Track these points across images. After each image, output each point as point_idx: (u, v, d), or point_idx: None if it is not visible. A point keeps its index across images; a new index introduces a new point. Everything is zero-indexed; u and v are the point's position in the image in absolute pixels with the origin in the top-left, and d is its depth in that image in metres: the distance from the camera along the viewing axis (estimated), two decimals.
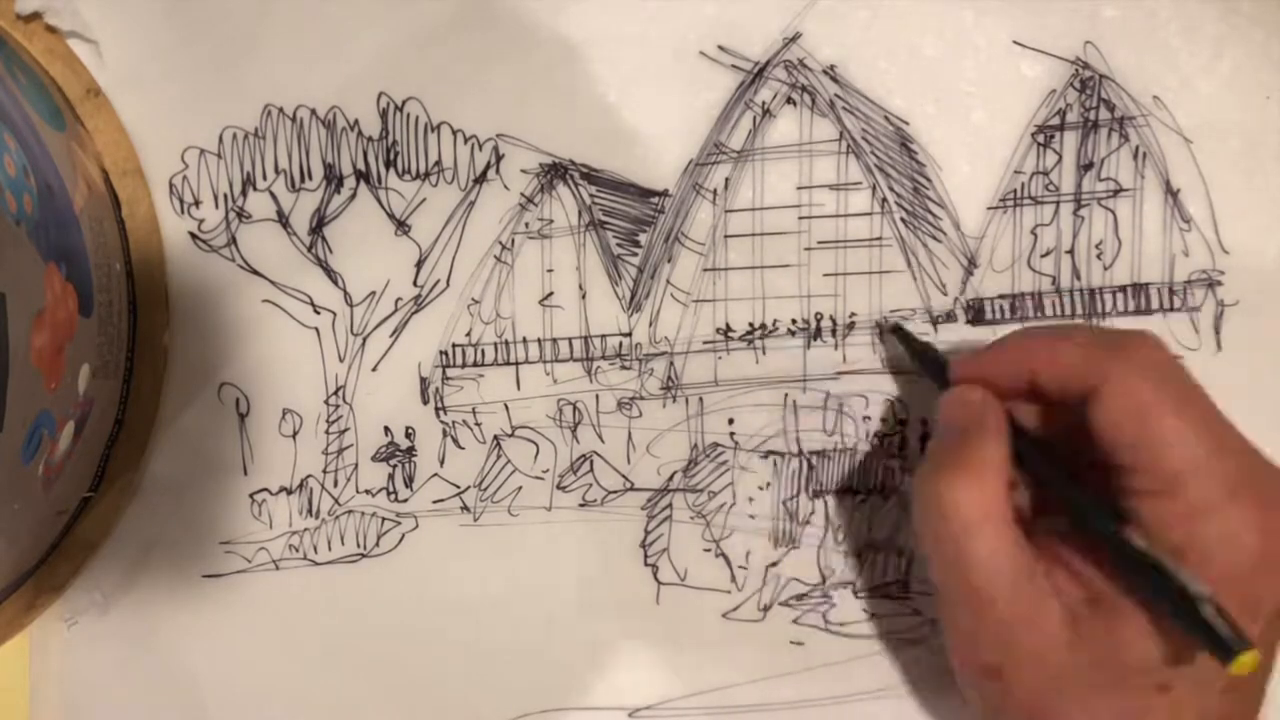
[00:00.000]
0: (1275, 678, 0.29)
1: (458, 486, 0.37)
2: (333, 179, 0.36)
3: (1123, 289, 0.35)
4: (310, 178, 0.36)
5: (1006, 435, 0.30)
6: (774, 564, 0.37)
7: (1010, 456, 0.30)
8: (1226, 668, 0.25)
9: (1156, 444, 0.28)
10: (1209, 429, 0.28)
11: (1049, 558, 0.30)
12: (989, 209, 0.35)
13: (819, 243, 0.36)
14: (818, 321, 0.36)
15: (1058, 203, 0.35)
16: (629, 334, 0.36)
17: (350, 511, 0.37)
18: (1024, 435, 0.31)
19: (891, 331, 0.35)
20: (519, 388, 0.37)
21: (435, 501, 0.37)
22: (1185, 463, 0.27)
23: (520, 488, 0.37)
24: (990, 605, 0.29)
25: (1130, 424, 0.28)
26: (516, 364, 0.37)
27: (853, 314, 0.36)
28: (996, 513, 0.29)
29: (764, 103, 0.36)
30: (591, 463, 0.37)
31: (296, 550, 0.37)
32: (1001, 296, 0.35)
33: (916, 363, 0.35)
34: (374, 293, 0.37)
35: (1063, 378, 0.29)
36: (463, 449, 0.37)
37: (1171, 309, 0.35)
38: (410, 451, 0.37)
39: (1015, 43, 0.35)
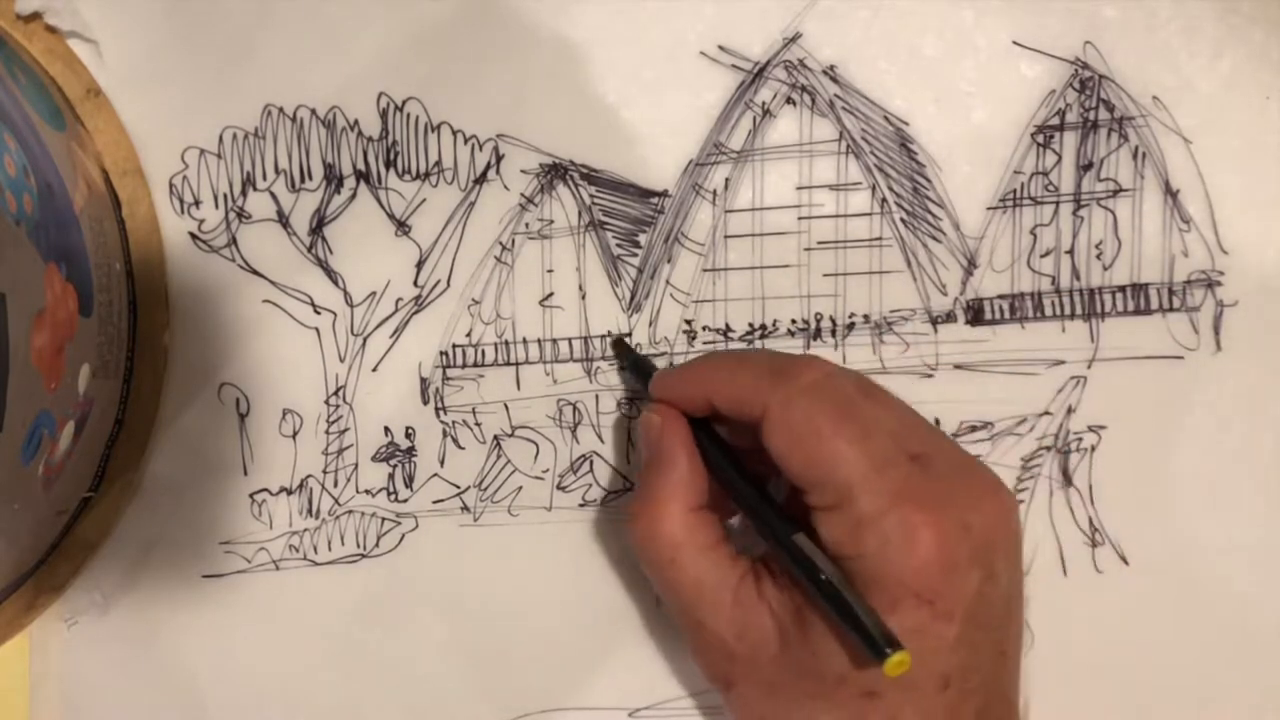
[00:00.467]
0: None
1: (458, 486, 0.37)
2: (333, 179, 0.36)
3: (1122, 289, 0.35)
4: (310, 178, 0.36)
5: (693, 457, 0.32)
6: None
7: (701, 474, 0.32)
8: (881, 665, 0.26)
9: (820, 463, 0.29)
10: (869, 444, 0.29)
11: (759, 570, 0.31)
12: (989, 209, 0.35)
13: (819, 243, 0.36)
14: (818, 321, 0.36)
15: (1057, 203, 0.35)
16: (629, 334, 0.36)
17: (350, 511, 0.37)
18: (715, 450, 0.32)
19: (612, 345, 0.36)
20: (519, 388, 0.37)
21: (435, 501, 0.37)
22: (848, 478, 0.28)
23: (520, 488, 0.37)
24: (702, 626, 0.31)
25: (794, 447, 0.29)
26: (516, 364, 0.37)
27: (852, 314, 0.36)
28: (690, 539, 0.31)
29: (764, 103, 0.36)
30: (591, 463, 0.37)
31: (296, 550, 0.37)
32: (1001, 296, 0.35)
33: (632, 377, 0.36)
34: (374, 293, 0.37)
35: (735, 404, 0.31)
36: (463, 449, 0.37)
37: (1171, 309, 0.35)
38: (410, 451, 0.37)
39: (1015, 43, 0.35)
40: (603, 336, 0.36)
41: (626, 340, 0.36)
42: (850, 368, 0.34)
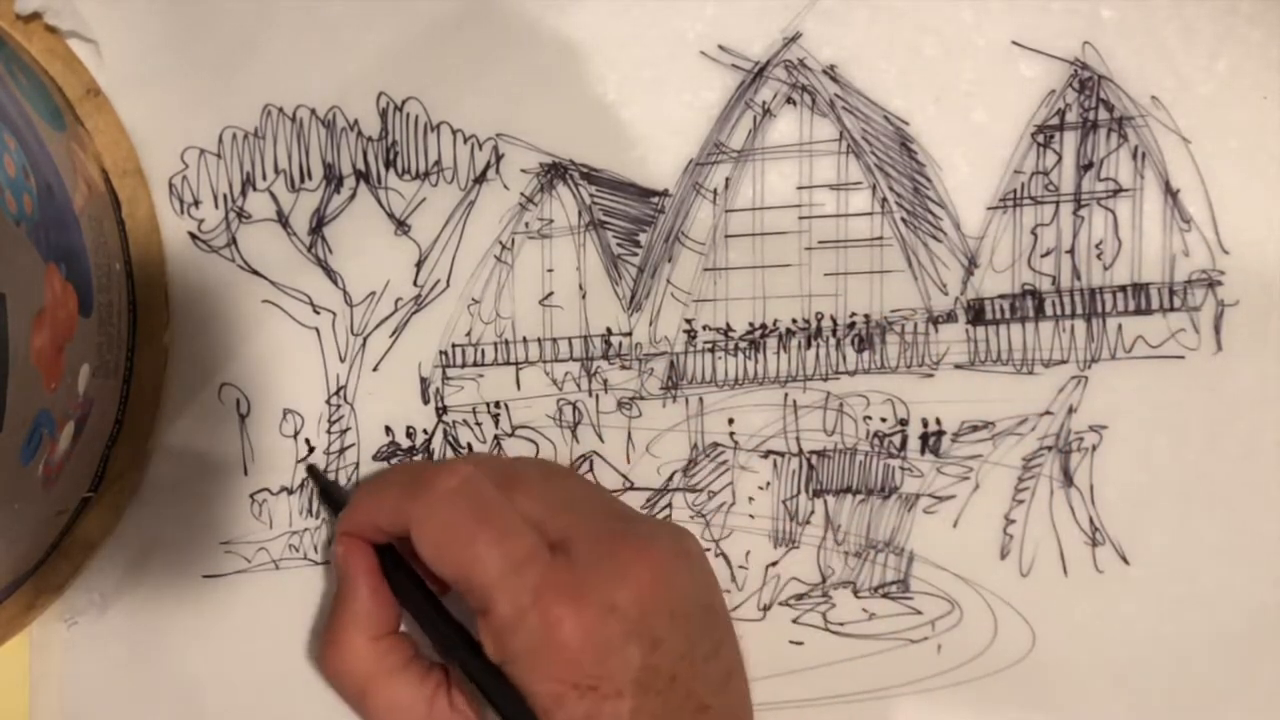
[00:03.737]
0: None
1: None
2: (332, 179, 0.36)
3: (1123, 289, 0.35)
4: (310, 178, 0.36)
5: (374, 586, 0.32)
6: (774, 564, 0.37)
7: (386, 602, 0.32)
8: None
9: (463, 568, 0.29)
10: (506, 544, 0.29)
11: (454, 678, 0.32)
12: (989, 209, 0.35)
13: (819, 242, 0.36)
14: (818, 321, 0.36)
15: (1058, 203, 0.35)
16: (629, 333, 0.36)
17: None
18: (397, 572, 0.33)
19: (308, 471, 0.36)
20: (519, 388, 0.37)
21: None
22: (486, 582, 0.29)
23: None
24: None
25: (439, 556, 0.30)
26: (516, 364, 0.37)
27: (853, 313, 0.36)
28: (378, 666, 0.32)
29: (764, 103, 0.36)
30: (591, 462, 0.37)
31: (296, 550, 0.37)
32: (1002, 296, 0.35)
33: (327, 507, 0.36)
34: (374, 293, 0.37)
35: (389, 524, 0.31)
36: (463, 449, 0.37)
37: (1171, 309, 0.35)
38: (411, 451, 0.37)
39: (1015, 43, 0.35)
40: (602, 335, 0.36)
41: (316, 468, 0.37)
42: (502, 455, 0.36)
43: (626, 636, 0.29)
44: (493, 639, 0.29)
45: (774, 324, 0.36)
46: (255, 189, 0.36)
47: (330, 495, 0.36)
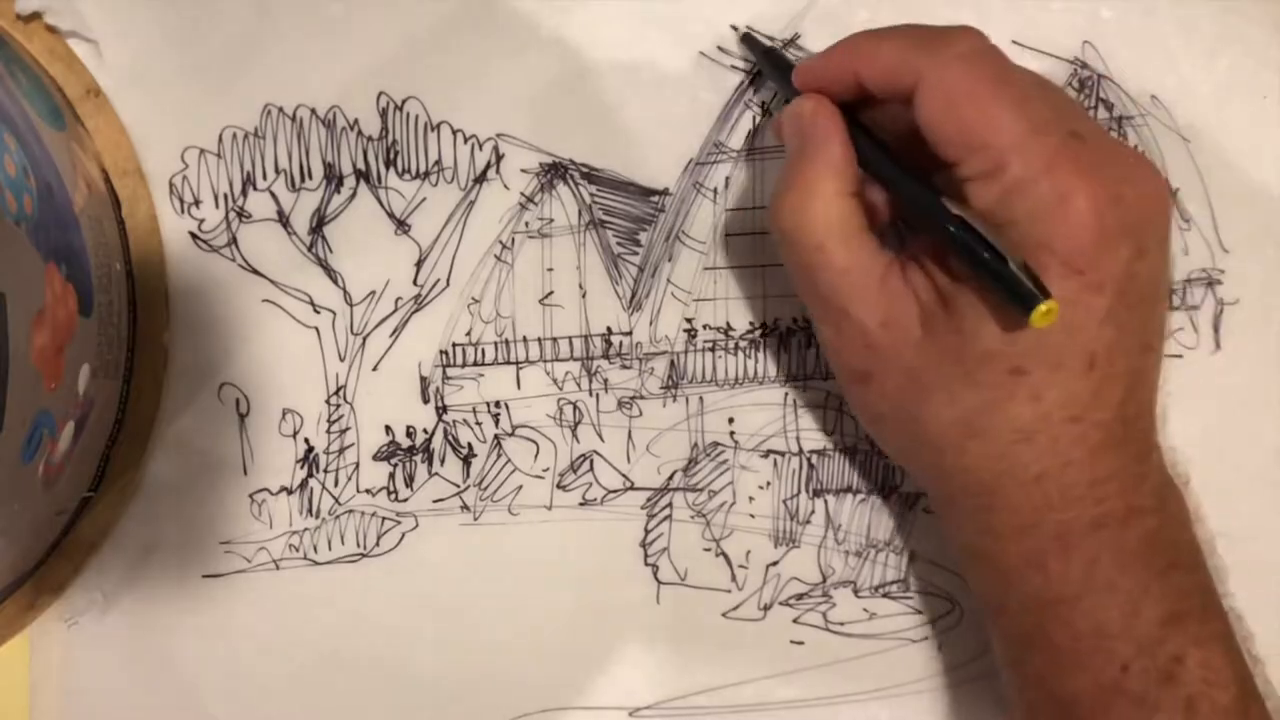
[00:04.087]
0: None
1: (458, 486, 0.37)
2: (333, 179, 0.36)
3: None
4: (310, 177, 0.36)
5: (844, 142, 0.30)
6: (774, 563, 0.37)
7: (853, 161, 0.30)
8: (1028, 319, 0.26)
9: (975, 127, 0.28)
10: (1027, 109, 0.28)
11: (904, 258, 0.30)
12: None
13: None
14: None
15: None
16: (629, 333, 0.36)
17: (350, 511, 0.37)
18: (862, 136, 0.31)
19: (741, 40, 0.35)
20: (519, 387, 0.37)
21: (435, 501, 0.37)
22: (1003, 141, 0.28)
23: (520, 487, 0.37)
24: (845, 315, 0.30)
25: (948, 113, 0.28)
26: (517, 363, 0.37)
27: None
28: (840, 225, 0.30)
29: (764, 102, 0.36)
30: (591, 462, 0.37)
31: (296, 550, 0.37)
32: None
33: (768, 69, 0.34)
34: (374, 292, 0.37)
35: (884, 76, 0.30)
36: (463, 448, 0.37)
37: (1172, 307, 0.35)
38: (411, 451, 0.37)
39: (1015, 43, 0.35)
40: (602, 335, 0.36)
41: (755, 34, 0.35)
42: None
43: (1123, 233, 0.28)
44: (996, 199, 0.28)
45: (774, 323, 0.36)
46: (255, 189, 0.36)
47: (774, 57, 0.34)
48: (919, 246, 0.31)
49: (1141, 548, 0.29)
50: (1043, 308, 0.26)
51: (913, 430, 0.30)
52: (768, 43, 0.35)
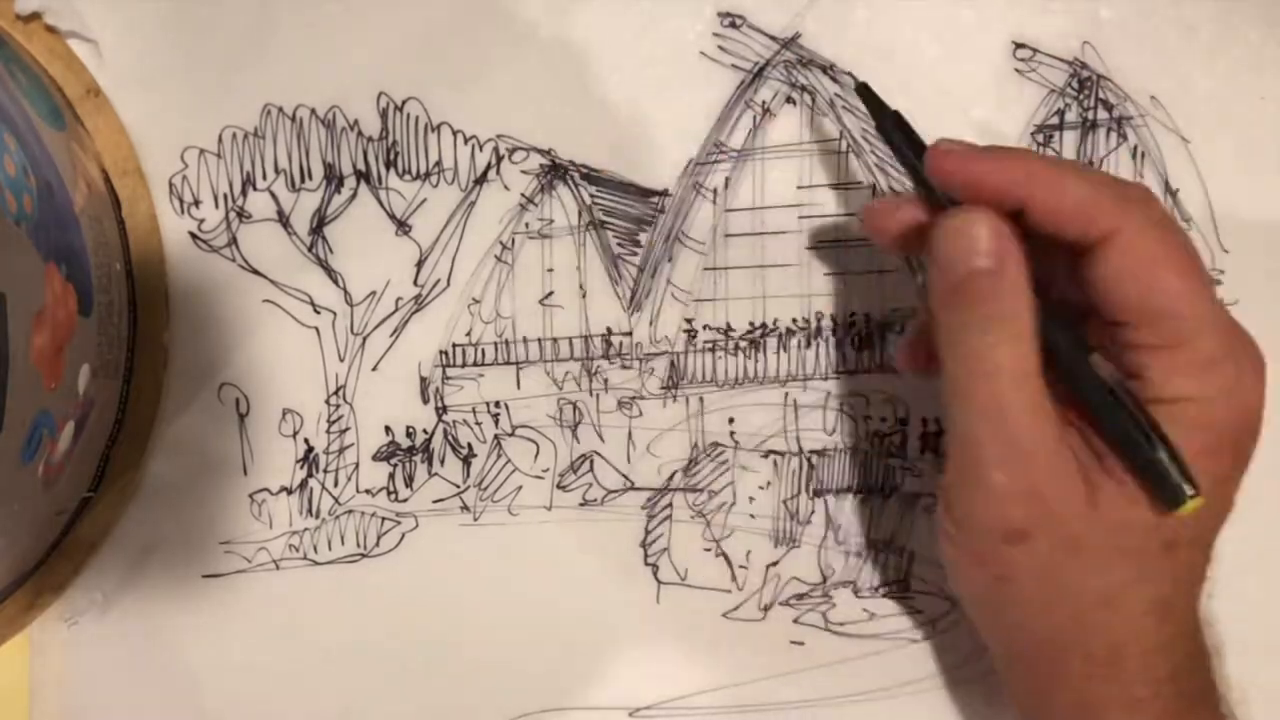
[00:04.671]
0: None
1: (458, 486, 0.37)
2: (333, 179, 0.36)
3: None
4: (310, 178, 0.36)
5: (1032, 306, 0.28)
6: (774, 563, 0.37)
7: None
8: (1171, 510, 0.26)
9: (1169, 295, 0.27)
10: (1208, 288, 0.28)
11: (1061, 416, 0.28)
12: None
13: (819, 242, 0.36)
14: (818, 321, 0.36)
15: None
16: (629, 333, 0.36)
17: (350, 511, 0.37)
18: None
19: (858, 91, 0.31)
20: (519, 387, 0.37)
21: (435, 501, 0.37)
22: (1194, 318, 0.27)
23: (520, 487, 0.37)
24: (1030, 461, 0.27)
25: (1140, 274, 0.27)
26: (517, 364, 0.37)
27: (853, 313, 0.36)
28: (1032, 366, 0.27)
29: (764, 102, 0.36)
30: (591, 462, 0.37)
31: (296, 550, 0.37)
32: None
33: (887, 135, 0.31)
34: (374, 292, 0.37)
35: (1066, 217, 0.27)
36: (463, 448, 0.37)
37: None
38: (410, 451, 0.37)
39: (1015, 43, 0.35)
40: (602, 335, 0.36)
41: (871, 88, 0.31)
42: None
43: (1256, 433, 0.28)
44: (1185, 373, 0.27)
45: (774, 323, 0.36)
46: (255, 189, 0.36)
47: (900, 124, 0.30)
48: (1061, 395, 0.29)
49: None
50: (1192, 503, 0.26)
51: (1046, 595, 0.29)
52: (892, 107, 0.31)
